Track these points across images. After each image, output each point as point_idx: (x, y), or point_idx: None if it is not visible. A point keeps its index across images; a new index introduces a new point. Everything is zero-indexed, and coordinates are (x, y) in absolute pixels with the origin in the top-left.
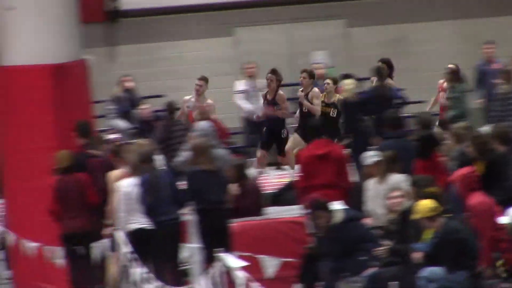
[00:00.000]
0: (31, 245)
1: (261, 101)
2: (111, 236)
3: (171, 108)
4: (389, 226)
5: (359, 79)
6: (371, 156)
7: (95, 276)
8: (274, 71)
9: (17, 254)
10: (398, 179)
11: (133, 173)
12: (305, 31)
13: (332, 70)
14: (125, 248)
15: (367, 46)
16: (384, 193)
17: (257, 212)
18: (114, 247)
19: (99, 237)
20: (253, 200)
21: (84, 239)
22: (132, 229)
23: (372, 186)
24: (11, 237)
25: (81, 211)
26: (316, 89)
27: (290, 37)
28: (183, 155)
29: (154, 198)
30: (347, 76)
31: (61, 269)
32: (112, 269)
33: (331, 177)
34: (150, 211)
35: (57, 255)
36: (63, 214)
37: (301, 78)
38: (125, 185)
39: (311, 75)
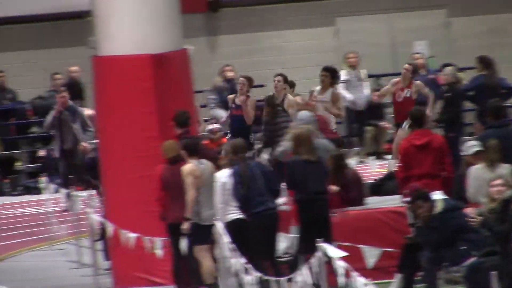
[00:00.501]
0: (130, 236)
1: (365, 90)
2: (189, 228)
3: (272, 100)
4: (489, 215)
5: (460, 69)
6: (472, 146)
7: (195, 268)
8: (247, 76)
9: (116, 244)
10: (504, 168)
11: (227, 164)
12: (406, 21)
13: (432, 60)
14: (224, 239)
15: (468, 36)
16: (488, 182)
17: (359, 202)
18: (202, 238)
19: None
20: (355, 190)
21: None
22: (230, 219)
23: (475, 175)
24: (110, 228)
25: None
26: (290, 96)
27: (391, 27)
28: (284, 145)
29: (246, 190)
30: (447, 66)
31: (160, 260)
32: (206, 261)
33: (431, 167)
34: (243, 202)
35: (157, 246)
36: (169, 204)
37: (275, 81)
38: (221, 176)
39: (286, 79)
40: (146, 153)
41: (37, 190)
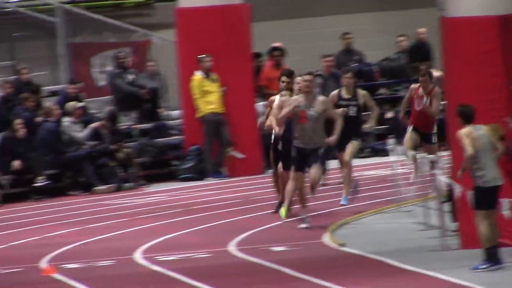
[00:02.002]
0: None
1: None
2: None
3: None
4: None
5: None
6: None
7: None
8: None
9: (464, 206)
10: None
11: None
12: None
13: None
14: None
15: None
16: None
17: None
18: (486, 203)
19: None
20: None
21: None
22: None
23: None
24: (457, 189)
25: None
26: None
27: None
28: None
29: None
30: None
31: (509, 221)
32: (483, 227)
33: None
34: None
35: (505, 206)
36: None
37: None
38: None
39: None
40: (492, 114)
41: (384, 152)
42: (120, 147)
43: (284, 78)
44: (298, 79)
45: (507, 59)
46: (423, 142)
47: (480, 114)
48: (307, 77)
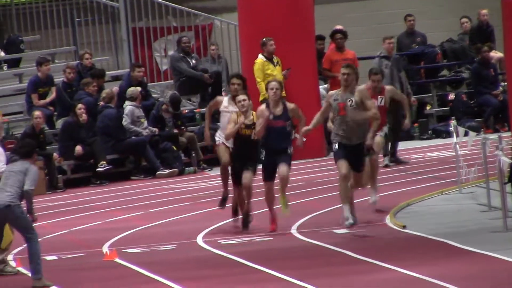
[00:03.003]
0: None
1: None
2: None
3: None
4: None
5: None
6: None
7: None
8: None
9: None
10: None
11: None
12: None
13: None
14: None
15: None
16: None
17: None
18: None
19: None
20: None
21: None
22: None
23: None
24: None
25: None
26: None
27: None
28: None
29: None
30: None
31: None
32: None
33: None
34: None
35: None
36: None
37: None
38: None
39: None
40: None
41: (446, 134)
42: (182, 131)
43: (234, 80)
44: (272, 84)
45: None
46: None
47: None
48: (346, 70)
